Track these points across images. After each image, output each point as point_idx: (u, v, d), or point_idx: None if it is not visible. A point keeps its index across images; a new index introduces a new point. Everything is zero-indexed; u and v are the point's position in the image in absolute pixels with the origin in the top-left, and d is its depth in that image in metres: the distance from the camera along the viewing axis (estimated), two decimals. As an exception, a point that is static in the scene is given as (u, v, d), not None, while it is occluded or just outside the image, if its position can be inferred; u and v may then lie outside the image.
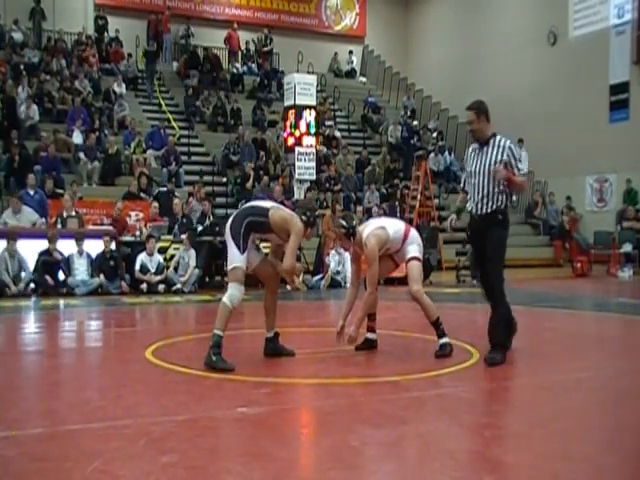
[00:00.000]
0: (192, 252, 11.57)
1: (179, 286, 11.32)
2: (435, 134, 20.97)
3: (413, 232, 5.71)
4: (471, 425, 3.69)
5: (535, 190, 18.61)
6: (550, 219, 17.90)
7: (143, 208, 13.07)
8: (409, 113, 21.75)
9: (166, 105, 19.24)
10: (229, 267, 5.12)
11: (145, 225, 12.41)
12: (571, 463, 3.07)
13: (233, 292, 5.03)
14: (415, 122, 21.54)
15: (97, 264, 11.14)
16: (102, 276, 11.10)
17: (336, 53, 24.78)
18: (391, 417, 3.80)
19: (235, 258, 5.06)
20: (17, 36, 18.59)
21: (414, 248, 5.58)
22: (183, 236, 11.73)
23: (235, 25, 22.13)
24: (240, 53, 22.22)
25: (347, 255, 12.55)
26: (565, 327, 7.75)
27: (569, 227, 17.08)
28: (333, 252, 12.51)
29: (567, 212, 17.52)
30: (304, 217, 5.19)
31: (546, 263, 16.79)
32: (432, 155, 18.92)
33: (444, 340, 5.44)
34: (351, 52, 24.83)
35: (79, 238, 11.16)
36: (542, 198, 18.21)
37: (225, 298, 5.04)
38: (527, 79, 19.77)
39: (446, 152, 19.42)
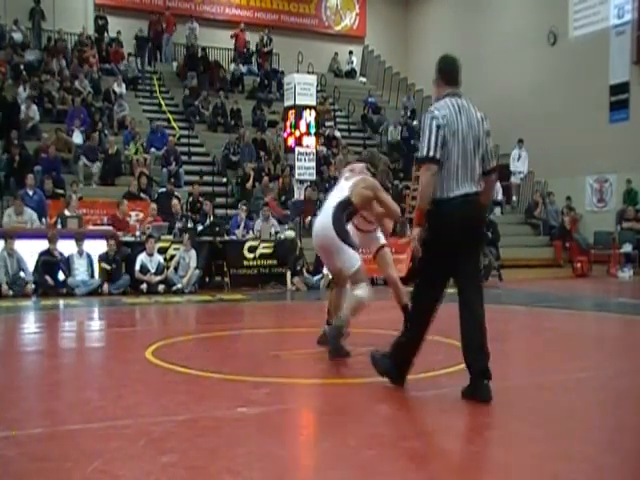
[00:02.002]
0: (192, 252, 11.58)
1: (179, 286, 11.33)
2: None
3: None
4: (470, 425, 3.69)
5: (535, 190, 18.61)
6: (550, 219, 17.88)
7: (143, 208, 13.07)
8: (409, 113, 21.74)
9: (166, 105, 19.24)
10: (353, 269, 5.11)
11: (144, 224, 12.41)
12: (571, 463, 3.08)
13: (368, 290, 5.11)
14: (415, 122, 21.52)
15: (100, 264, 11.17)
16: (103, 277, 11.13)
17: (336, 53, 24.77)
18: (390, 417, 3.80)
19: (354, 258, 5.12)
20: (17, 36, 18.59)
21: (382, 236, 5.79)
22: (185, 235, 11.75)
23: (242, 26, 22.16)
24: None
25: None
26: (565, 327, 7.75)
27: (570, 227, 17.08)
28: None
29: (567, 212, 17.53)
30: (370, 172, 5.40)
31: (546, 263, 16.77)
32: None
33: None
34: (351, 52, 24.82)
35: (79, 238, 11.16)
36: (542, 198, 18.20)
37: (362, 293, 5.07)
38: (527, 79, 19.76)
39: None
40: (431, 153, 3.97)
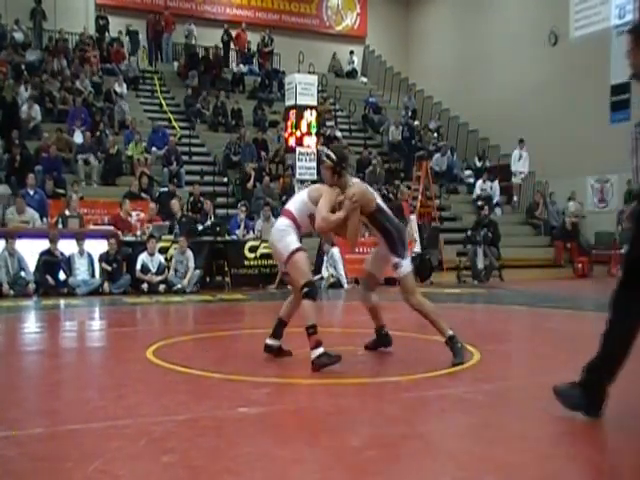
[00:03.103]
0: (189, 253, 11.54)
1: (180, 286, 11.32)
2: (435, 134, 20.95)
3: None
4: (472, 425, 3.69)
5: (536, 190, 18.60)
6: (551, 219, 17.88)
7: (144, 208, 13.08)
8: (410, 113, 21.74)
9: (167, 105, 19.25)
10: None
11: (145, 224, 12.42)
12: (572, 463, 3.07)
13: None
14: (416, 122, 21.53)
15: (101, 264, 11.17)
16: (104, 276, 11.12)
17: (336, 53, 24.78)
18: (392, 417, 3.80)
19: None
20: (18, 36, 18.61)
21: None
22: (181, 238, 11.72)
23: (244, 25, 22.18)
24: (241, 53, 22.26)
25: (338, 256, 12.55)
26: (566, 327, 7.75)
27: (572, 227, 17.03)
28: (326, 258, 12.56)
29: (573, 213, 17.44)
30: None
31: (547, 264, 16.77)
32: (437, 155, 18.88)
33: None
34: (352, 52, 24.83)
35: (80, 238, 11.17)
36: (543, 199, 18.19)
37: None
38: (528, 79, 19.75)
39: (448, 152, 19.39)
40: None
